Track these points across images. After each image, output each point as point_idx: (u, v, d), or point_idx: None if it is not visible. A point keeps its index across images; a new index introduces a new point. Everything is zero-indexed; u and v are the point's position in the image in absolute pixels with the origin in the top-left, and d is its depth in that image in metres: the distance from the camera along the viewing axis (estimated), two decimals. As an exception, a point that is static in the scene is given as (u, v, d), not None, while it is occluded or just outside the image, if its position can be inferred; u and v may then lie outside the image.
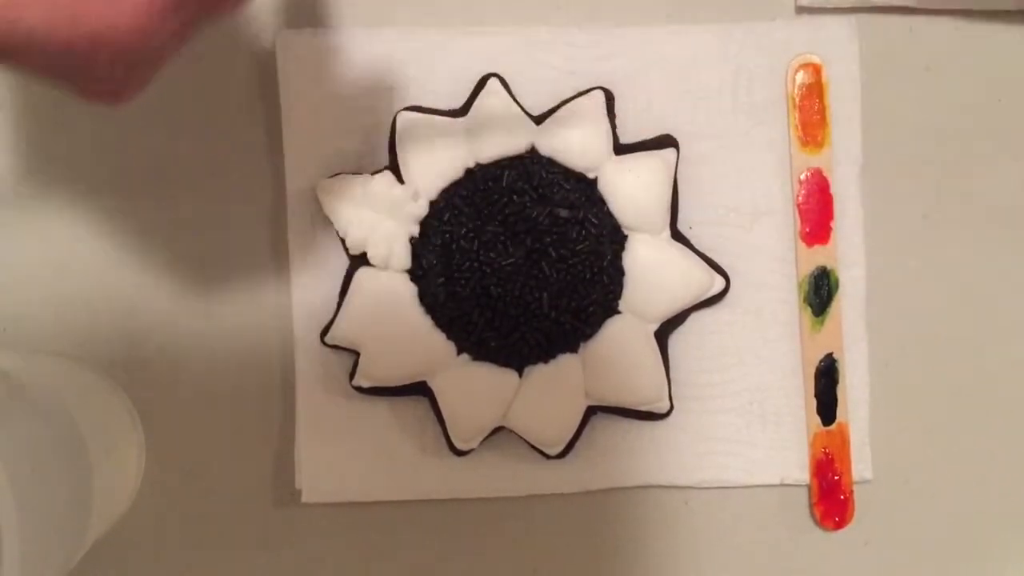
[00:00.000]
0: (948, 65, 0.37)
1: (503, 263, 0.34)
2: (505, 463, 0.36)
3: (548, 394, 0.35)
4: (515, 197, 0.34)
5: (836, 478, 0.37)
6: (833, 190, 0.36)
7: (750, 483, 0.37)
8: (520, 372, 0.35)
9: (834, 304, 0.36)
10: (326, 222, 0.35)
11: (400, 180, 0.35)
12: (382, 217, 0.34)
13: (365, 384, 0.35)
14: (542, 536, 0.37)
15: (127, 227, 0.36)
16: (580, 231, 0.34)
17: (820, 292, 0.36)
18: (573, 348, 0.35)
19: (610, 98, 0.36)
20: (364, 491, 0.36)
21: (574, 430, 0.35)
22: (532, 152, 0.35)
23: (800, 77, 0.36)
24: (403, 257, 0.34)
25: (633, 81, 0.36)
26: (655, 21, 0.36)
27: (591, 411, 0.35)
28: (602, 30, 0.36)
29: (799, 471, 0.37)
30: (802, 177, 0.36)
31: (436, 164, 0.35)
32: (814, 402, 0.36)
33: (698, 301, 0.36)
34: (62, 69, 0.23)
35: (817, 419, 0.36)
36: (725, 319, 0.37)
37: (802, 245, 0.36)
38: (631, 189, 0.35)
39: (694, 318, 0.36)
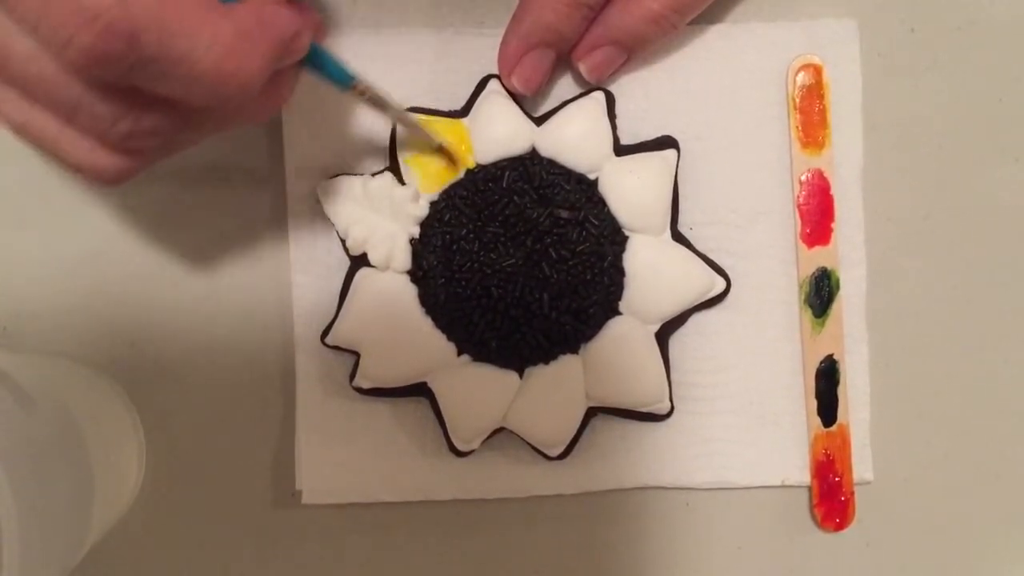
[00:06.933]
0: (948, 65, 0.37)
1: (504, 264, 0.34)
2: (505, 464, 0.36)
3: (548, 395, 0.35)
4: (515, 198, 0.34)
5: (837, 479, 0.37)
6: (834, 191, 0.36)
7: (751, 484, 0.37)
8: (520, 373, 0.35)
9: (835, 305, 0.36)
10: (326, 223, 0.35)
11: (400, 181, 0.35)
12: (382, 218, 0.34)
13: (365, 385, 0.35)
14: (543, 537, 0.37)
15: (126, 227, 0.36)
16: (581, 232, 0.34)
17: (821, 293, 0.36)
18: (573, 349, 0.35)
19: (610, 99, 0.36)
20: (364, 492, 0.36)
21: (574, 431, 0.35)
22: (532, 153, 0.35)
23: (801, 78, 0.36)
24: (403, 258, 0.34)
25: (634, 82, 0.36)
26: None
27: (591, 412, 0.35)
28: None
29: (800, 472, 0.37)
30: (803, 178, 0.36)
31: (436, 165, 0.35)
32: (815, 403, 0.36)
33: (699, 302, 0.36)
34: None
35: (818, 420, 0.36)
36: (726, 320, 0.37)
37: (803, 246, 0.36)
38: (632, 190, 0.35)
39: (695, 319, 0.36)
